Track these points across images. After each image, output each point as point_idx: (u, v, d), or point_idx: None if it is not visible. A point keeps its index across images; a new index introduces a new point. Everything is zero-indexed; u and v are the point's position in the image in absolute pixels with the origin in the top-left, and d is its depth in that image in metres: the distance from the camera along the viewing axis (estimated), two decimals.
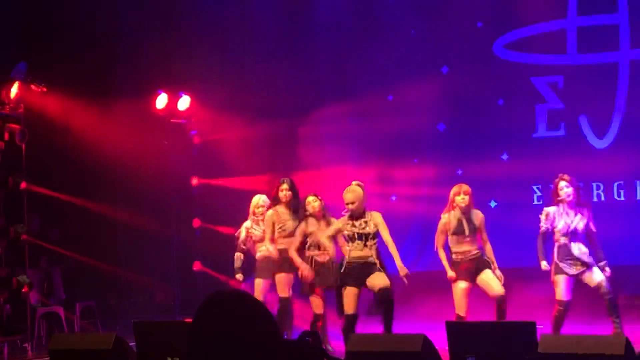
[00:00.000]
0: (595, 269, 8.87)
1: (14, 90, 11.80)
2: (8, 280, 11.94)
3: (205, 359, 2.52)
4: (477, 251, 9.00)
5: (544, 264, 8.96)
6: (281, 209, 9.91)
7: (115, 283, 13.82)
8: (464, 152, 13.25)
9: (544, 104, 12.93)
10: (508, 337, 7.38)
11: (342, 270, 8.82)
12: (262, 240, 10.09)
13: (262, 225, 10.10)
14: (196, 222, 13.39)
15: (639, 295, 11.53)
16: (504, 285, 8.89)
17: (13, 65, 12.17)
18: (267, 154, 13.62)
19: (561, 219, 8.92)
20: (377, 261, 8.79)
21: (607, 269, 8.89)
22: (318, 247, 9.41)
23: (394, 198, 13.70)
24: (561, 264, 8.92)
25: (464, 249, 9.00)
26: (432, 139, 13.58)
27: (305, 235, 9.55)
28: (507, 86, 13.13)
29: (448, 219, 9.08)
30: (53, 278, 13.01)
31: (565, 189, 8.96)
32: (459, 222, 8.99)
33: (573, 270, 8.89)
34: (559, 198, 8.98)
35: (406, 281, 8.76)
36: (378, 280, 8.72)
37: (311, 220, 9.52)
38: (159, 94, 13.12)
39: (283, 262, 9.85)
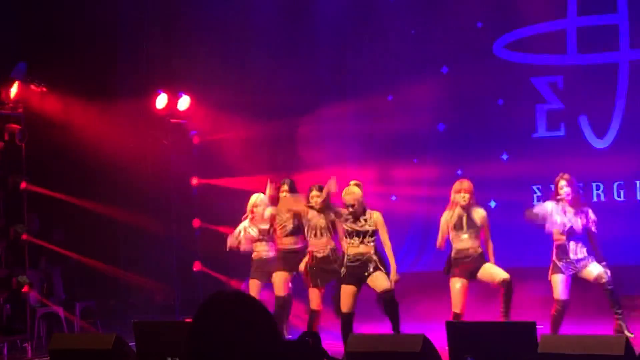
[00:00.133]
0: (592, 264, 8.87)
1: (14, 90, 11.79)
2: (8, 281, 11.94)
3: (205, 359, 2.52)
4: (477, 250, 8.99)
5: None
6: (283, 210, 9.92)
7: (115, 283, 13.82)
8: (464, 152, 13.26)
9: (543, 104, 12.93)
10: (508, 337, 7.39)
11: (342, 269, 8.85)
12: (258, 240, 10.10)
13: (260, 225, 10.09)
14: (196, 222, 13.38)
15: (639, 295, 11.52)
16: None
17: (13, 65, 12.17)
18: (267, 154, 13.62)
19: (557, 215, 8.94)
20: (375, 257, 8.80)
21: (608, 271, 8.89)
22: (315, 233, 9.38)
23: (393, 198, 13.70)
24: (559, 263, 8.94)
25: (463, 245, 9.01)
26: (432, 139, 13.58)
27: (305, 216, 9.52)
28: (507, 86, 13.13)
29: (449, 215, 9.10)
30: (53, 278, 13.01)
31: (565, 188, 8.99)
32: (459, 218, 9.03)
33: (569, 271, 8.90)
34: (559, 197, 9.00)
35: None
36: (379, 281, 8.73)
37: (313, 213, 9.47)
38: (159, 94, 13.11)
39: (282, 261, 9.85)
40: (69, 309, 12.67)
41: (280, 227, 9.90)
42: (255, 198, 10.26)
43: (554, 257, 8.99)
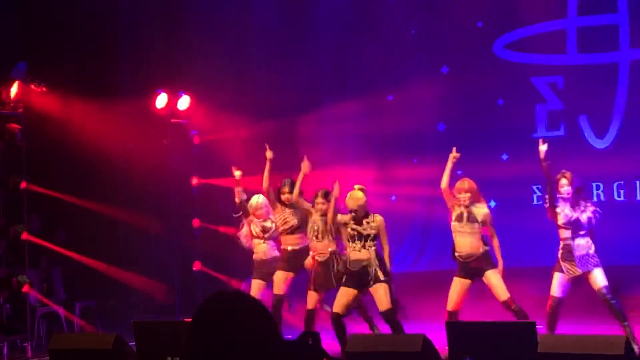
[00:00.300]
0: (597, 272, 8.84)
1: (14, 90, 11.80)
2: (8, 280, 11.95)
3: (205, 359, 2.52)
4: (480, 249, 8.95)
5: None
6: (286, 210, 9.90)
7: (115, 283, 13.81)
8: (464, 152, 13.16)
9: (543, 104, 12.93)
10: (508, 337, 7.39)
11: (344, 273, 8.86)
12: (258, 237, 10.08)
13: (263, 223, 10.07)
14: (196, 222, 13.38)
15: (639, 295, 11.51)
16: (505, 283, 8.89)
17: (13, 65, 12.17)
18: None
19: (564, 206, 8.93)
20: (375, 262, 8.80)
21: (606, 282, 8.87)
22: (317, 235, 9.36)
23: (393, 198, 13.70)
24: (562, 264, 8.93)
25: (462, 240, 8.97)
26: (432, 139, 13.58)
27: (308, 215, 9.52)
28: (507, 86, 13.13)
29: (455, 209, 9.14)
30: (53, 278, 13.01)
31: (566, 186, 8.99)
32: (461, 213, 9.04)
33: (570, 274, 8.88)
34: (560, 194, 9.01)
35: None
36: (381, 297, 8.73)
37: (317, 218, 9.44)
38: (159, 93, 13.11)
39: (284, 261, 9.83)
40: (69, 309, 12.67)
41: (282, 223, 9.86)
42: (257, 199, 10.18)
43: (559, 256, 8.99)
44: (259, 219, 10.05)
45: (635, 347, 8.04)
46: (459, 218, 9.04)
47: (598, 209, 9.01)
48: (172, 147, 13.45)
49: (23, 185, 11.84)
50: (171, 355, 8.24)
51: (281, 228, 9.87)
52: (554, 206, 8.97)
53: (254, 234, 10.12)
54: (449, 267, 10.49)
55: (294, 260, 9.78)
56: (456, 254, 9.08)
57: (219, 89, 13.50)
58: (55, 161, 13.31)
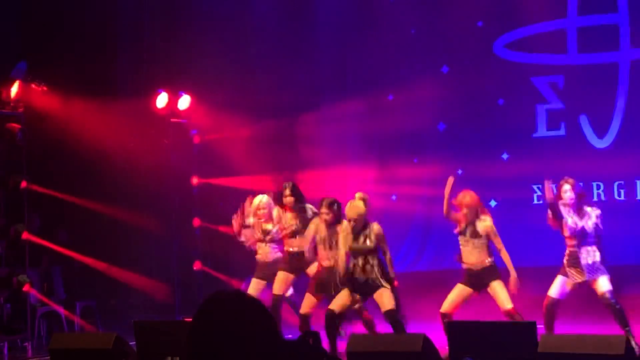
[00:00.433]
0: (603, 279, 8.80)
1: (15, 89, 11.80)
2: (8, 280, 11.95)
3: (205, 359, 2.52)
4: (484, 263, 8.88)
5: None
6: (288, 214, 9.85)
7: (115, 282, 13.81)
8: (464, 151, 13.26)
9: (544, 104, 12.93)
10: (508, 337, 7.39)
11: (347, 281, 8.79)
12: (261, 240, 10.03)
13: (265, 226, 10.01)
14: (196, 222, 13.39)
15: (639, 295, 11.51)
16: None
17: (13, 65, 12.17)
18: (267, 153, 13.61)
19: (569, 216, 8.88)
20: (378, 275, 8.72)
21: (611, 287, 8.81)
22: (324, 246, 9.29)
23: (394, 197, 13.70)
24: (568, 269, 8.88)
25: (466, 255, 8.91)
26: (432, 139, 13.58)
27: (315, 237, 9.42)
28: (508, 86, 13.13)
29: (458, 222, 9.05)
30: (53, 277, 13.01)
31: (568, 192, 8.90)
32: (464, 227, 8.96)
33: (575, 279, 8.83)
34: (562, 201, 8.94)
35: None
36: (384, 300, 8.66)
37: (321, 226, 9.35)
38: (160, 93, 13.11)
39: (287, 263, 9.77)
40: (69, 309, 12.68)
41: (285, 226, 9.82)
42: (259, 200, 10.10)
43: (565, 262, 8.94)
44: (260, 219, 10.00)
45: (636, 347, 8.02)
46: (463, 232, 8.96)
47: (599, 214, 8.94)
48: (173, 147, 13.46)
49: (23, 184, 11.83)
50: (171, 355, 8.23)
51: (283, 232, 9.83)
52: (559, 219, 8.90)
53: (256, 236, 10.07)
54: (449, 266, 10.51)
55: (296, 262, 9.74)
56: (463, 265, 9.02)
57: (219, 89, 13.50)
58: (56, 161, 13.31)
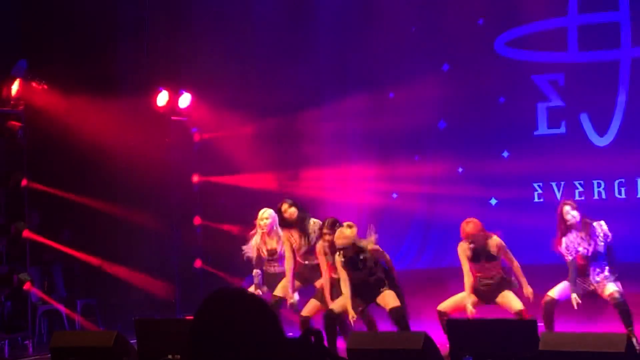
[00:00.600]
0: (611, 284, 8.72)
1: (15, 87, 11.79)
2: (9, 278, 11.95)
3: (207, 357, 2.52)
4: (495, 278, 8.81)
5: (574, 296, 8.69)
6: (294, 233, 9.68)
7: (116, 280, 13.81)
8: (465, 149, 13.26)
9: (545, 102, 12.93)
10: (509, 335, 7.39)
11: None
12: (265, 258, 9.86)
13: (269, 244, 9.86)
14: (197, 220, 13.39)
15: (639, 293, 11.51)
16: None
17: (14, 63, 12.16)
18: (268, 151, 13.61)
19: (579, 246, 8.72)
20: (384, 283, 8.68)
21: (621, 289, 8.76)
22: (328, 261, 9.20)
23: (395, 195, 13.70)
24: (577, 278, 8.80)
25: (485, 271, 8.82)
26: (433, 137, 13.58)
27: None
28: (508, 84, 13.13)
29: (464, 247, 8.84)
30: (54, 275, 13.01)
31: (571, 212, 8.77)
32: (474, 251, 8.76)
33: (582, 287, 8.75)
34: (568, 224, 8.75)
35: None
36: (389, 299, 8.61)
37: (325, 249, 9.24)
38: (160, 91, 13.11)
39: (300, 272, 9.62)
40: (70, 307, 12.67)
41: (296, 248, 9.65)
42: (264, 210, 9.94)
43: (573, 270, 8.84)
44: (262, 229, 9.80)
45: (637, 346, 8.00)
46: (475, 258, 8.74)
47: (606, 230, 8.82)
48: (173, 145, 13.46)
49: (24, 182, 11.83)
50: (172, 353, 8.23)
51: (295, 248, 9.64)
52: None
53: (262, 254, 9.90)
54: (450, 264, 10.49)
55: (307, 273, 9.61)
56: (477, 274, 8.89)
57: (220, 87, 13.50)
58: (56, 159, 13.30)
